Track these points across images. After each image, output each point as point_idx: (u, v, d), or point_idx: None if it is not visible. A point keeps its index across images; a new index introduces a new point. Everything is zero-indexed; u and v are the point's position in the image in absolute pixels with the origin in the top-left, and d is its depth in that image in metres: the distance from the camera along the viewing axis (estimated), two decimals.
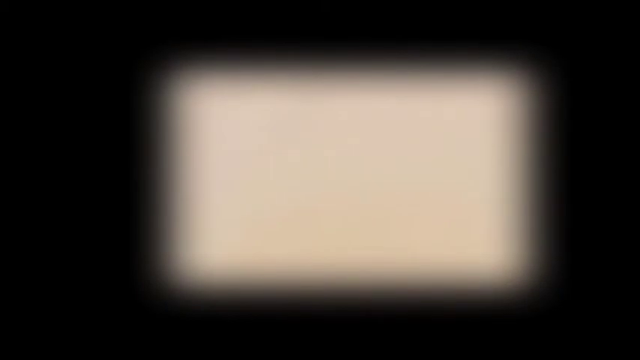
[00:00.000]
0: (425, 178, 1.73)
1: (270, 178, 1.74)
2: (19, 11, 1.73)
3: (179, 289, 1.72)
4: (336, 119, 1.74)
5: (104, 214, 1.71)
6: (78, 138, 1.72)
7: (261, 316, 1.72)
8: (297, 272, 1.72)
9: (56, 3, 1.73)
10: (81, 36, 1.73)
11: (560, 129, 1.71)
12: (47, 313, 1.71)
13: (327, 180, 1.74)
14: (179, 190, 1.73)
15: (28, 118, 1.72)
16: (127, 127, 1.72)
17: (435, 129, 1.74)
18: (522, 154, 1.72)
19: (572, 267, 1.70)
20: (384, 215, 1.73)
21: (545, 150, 1.72)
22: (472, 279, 1.70)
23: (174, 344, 1.72)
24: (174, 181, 1.73)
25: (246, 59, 1.73)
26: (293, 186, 1.74)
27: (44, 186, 1.72)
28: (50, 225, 1.71)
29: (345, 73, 1.73)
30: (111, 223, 1.71)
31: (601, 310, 1.70)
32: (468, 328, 1.71)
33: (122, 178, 1.71)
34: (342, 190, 1.74)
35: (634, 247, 1.70)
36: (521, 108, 1.73)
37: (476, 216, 1.72)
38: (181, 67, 1.73)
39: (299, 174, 1.74)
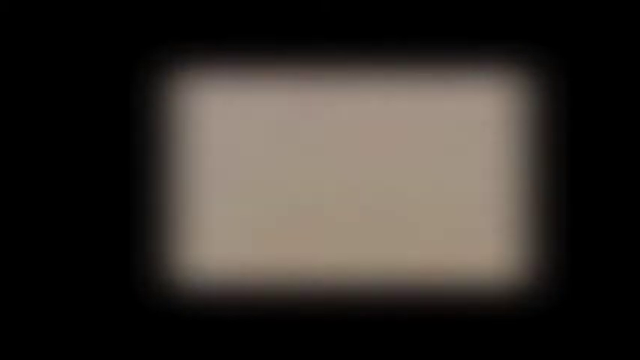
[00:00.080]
0: (425, 178, 1.73)
1: (270, 178, 1.74)
2: (19, 11, 1.73)
3: (179, 289, 1.72)
4: (336, 119, 1.74)
5: (104, 214, 1.71)
6: (78, 138, 1.72)
7: (261, 316, 1.71)
8: (297, 272, 1.72)
9: (56, 3, 1.73)
10: (81, 36, 1.73)
11: (560, 129, 1.71)
12: (46, 313, 1.71)
13: (328, 180, 1.74)
14: (179, 190, 1.73)
15: (28, 118, 1.72)
16: (127, 127, 1.72)
17: (435, 129, 1.74)
18: (522, 155, 1.72)
19: (572, 267, 1.70)
20: (384, 215, 1.73)
21: (546, 150, 1.71)
22: (472, 279, 1.70)
23: (174, 344, 1.72)
24: (174, 180, 1.73)
25: (246, 59, 1.73)
26: (293, 186, 1.74)
27: (44, 185, 1.72)
28: (50, 225, 1.71)
29: (345, 73, 1.73)
30: (110, 223, 1.71)
31: (601, 310, 1.70)
32: (468, 328, 1.71)
33: (122, 178, 1.71)
34: (343, 190, 1.74)
35: (634, 247, 1.70)
36: (522, 108, 1.73)
37: (476, 216, 1.72)
38: (181, 67, 1.73)
39: (299, 174, 1.74)
